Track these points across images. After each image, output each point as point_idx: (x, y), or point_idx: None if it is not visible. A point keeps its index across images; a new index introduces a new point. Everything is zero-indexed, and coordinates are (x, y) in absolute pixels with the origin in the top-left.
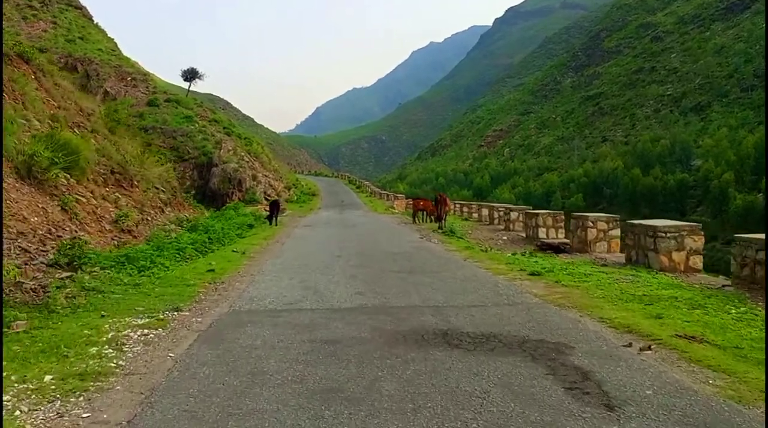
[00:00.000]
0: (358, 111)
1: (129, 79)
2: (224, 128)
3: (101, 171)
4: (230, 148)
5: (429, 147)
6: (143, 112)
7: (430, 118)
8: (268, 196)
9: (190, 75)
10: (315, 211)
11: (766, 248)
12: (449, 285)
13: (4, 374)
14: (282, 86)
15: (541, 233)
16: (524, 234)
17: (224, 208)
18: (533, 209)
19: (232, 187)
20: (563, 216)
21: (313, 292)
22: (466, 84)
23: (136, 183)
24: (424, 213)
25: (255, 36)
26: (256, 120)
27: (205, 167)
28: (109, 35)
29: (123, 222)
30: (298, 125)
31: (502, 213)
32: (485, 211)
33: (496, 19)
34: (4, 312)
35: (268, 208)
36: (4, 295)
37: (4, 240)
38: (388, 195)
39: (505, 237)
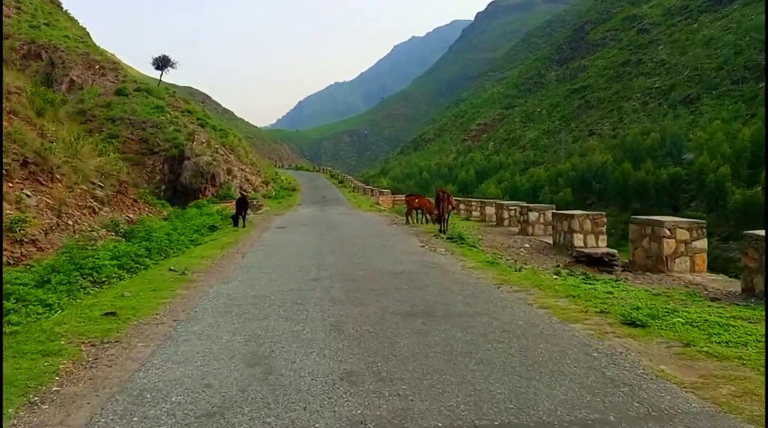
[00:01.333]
0: (341, 105)
1: (97, 67)
2: (198, 119)
3: (5, 161)
4: (204, 140)
5: (412, 141)
6: (111, 101)
7: (413, 112)
8: (245, 191)
9: (162, 63)
10: (294, 207)
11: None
12: (505, 354)
13: None
14: (263, 80)
15: (577, 240)
16: (550, 241)
17: (191, 205)
18: (560, 208)
19: (205, 181)
20: (605, 219)
21: (264, 376)
22: (448, 78)
23: (58, 176)
24: (420, 212)
25: (236, 30)
26: (236, 113)
27: (177, 160)
28: (79, 24)
29: (20, 230)
30: (280, 119)
31: (514, 212)
32: (490, 210)
33: (478, 13)
34: None
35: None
36: None
37: None
38: (372, 190)
39: (526, 245)
